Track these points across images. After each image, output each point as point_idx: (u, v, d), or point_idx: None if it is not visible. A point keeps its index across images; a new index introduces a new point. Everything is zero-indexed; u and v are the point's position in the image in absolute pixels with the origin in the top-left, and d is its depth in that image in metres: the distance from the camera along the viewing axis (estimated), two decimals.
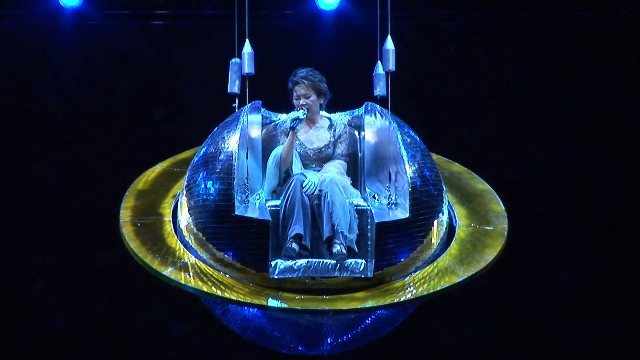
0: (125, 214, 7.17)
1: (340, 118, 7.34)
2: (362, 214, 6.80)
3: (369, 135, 7.17)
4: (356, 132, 7.36)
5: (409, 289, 6.68)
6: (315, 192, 6.82)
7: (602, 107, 10.13)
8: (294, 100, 7.21)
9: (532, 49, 10.11)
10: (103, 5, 9.85)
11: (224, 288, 6.64)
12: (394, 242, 6.66)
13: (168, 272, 6.73)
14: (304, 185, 6.82)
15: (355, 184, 7.17)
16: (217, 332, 9.11)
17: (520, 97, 10.15)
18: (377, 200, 6.88)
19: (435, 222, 6.81)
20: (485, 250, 6.97)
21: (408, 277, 6.75)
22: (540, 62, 10.12)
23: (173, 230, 7.06)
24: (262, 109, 7.32)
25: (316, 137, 7.22)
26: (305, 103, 7.17)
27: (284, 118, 7.29)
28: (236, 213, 6.61)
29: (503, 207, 7.33)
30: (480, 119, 10.14)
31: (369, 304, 6.61)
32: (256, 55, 6.86)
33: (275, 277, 6.63)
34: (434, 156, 7.34)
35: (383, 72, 6.79)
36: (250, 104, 7.02)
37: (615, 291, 10.08)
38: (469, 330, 10.13)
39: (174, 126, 9.89)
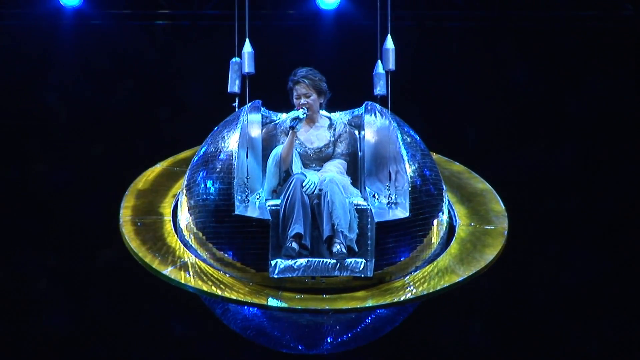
0: (125, 214, 7.17)
1: (340, 117, 7.34)
2: (362, 214, 6.80)
3: (369, 135, 7.17)
4: (356, 132, 7.36)
5: (409, 288, 6.68)
6: (315, 192, 6.82)
7: (604, 107, 10.12)
8: (294, 100, 7.20)
9: (533, 48, 10.10)
10: (103, 5, 9.85)
11: (224, 287, 6.64)
12: (394, 242, 6.66)
13: (168, 271, 6.73)
14: (304, 184, 6.82)
15: (355, 183, 7.17)
16: (220, 332, 9.10)
17: (521, 96, 10.14)
18: (377, 199, 6.88)
19: (435, 222, 6.81)
20: (486, 250, 6.97)
21: (408, 277, 6.75)
22: (541, 62, 10.11)
23: (173, 229, 7.05)
24: (262, 109, 7.32)
25: (316, 136, 7.22)
26: (305, 102, 7.17)
27: (284, 117, 7.29)
28: (236, 212, 6.61)
29: (503, 207, 7.33)
30: (481, 118, 10.14)
31: (369, 303, 6.60)
32: (256, 54, 6.86)
33: (275, 276, 6.63)
34: (434, 155, 7.35)
35: (383, 72, 6.79)
36: (250, 104, 7.02)
37: (617, 291, 10.07)
38: (470, 330, 10.13)
39: (174, 125, 9.90)
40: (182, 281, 6.68)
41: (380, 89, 6.82)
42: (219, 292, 6.61)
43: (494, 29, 10.08)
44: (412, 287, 6.68)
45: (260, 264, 6.64)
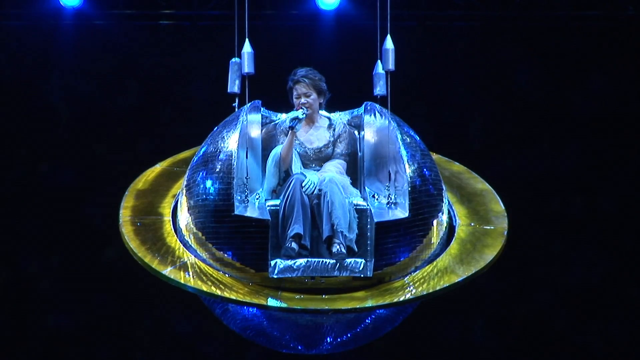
0: (125, 214, 7.17)
1: (340, 117, 7.33)
2: (361, 214, 6.80)
3: (369, 135, 7.17)
4: (356, 132, 7.36)
5: (408, 288, 6.67)
6: (315, 192, 6.82)
7: (607, 107, 10.12)
8: (294, 99, 7.20)
9: (536, 49, 10.10)
10: (103, 5, 9.85)
11: (223, 287, 6.63)
12: (394, 242, 6.65)
13: (167, 271, 6.73)
14: (303, 184, 6.82)
15: (355, 183, 7.16)
16: (222, 332, 9.10)
17: (525, 97, 10.14)
18: (377, 199, 6.87)
19: (434, 222, 6.81)
20: (485, 250, 6.97)
21: (408, 277, 6.74)
22: (544, 62, 10.11)
23: (173, 229, 7.05)
24: (262, 109, 7.32)
25: (316, 136, 7.22)
26: (305, 102, 7.16)
27: (283, 118, 7.29)
28: (236, 213, 6.60)
29: (503, 207, 7.33)
30: (485, 118, 10.13)
31: (369, 303, 6.60)
32: (256, 55, 6.85)
33: (275, 276, 6.63)
34: (434, 155, 7.34)
35: (383, 72, 6.79)
36: (250, 104, 7.02)
37: (621, 291, 10.07)
38: (473, 330, 10.12)
39: (174, 125, 9.90)
40: (182, 281, 6.68)
41: (380, 89, 6.82)
42: (219, 292, 6.61)
43: (496, 29, 10.08)
44: (411, 288, 6.68)
45: (259, 264, 6.63)
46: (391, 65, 6.75)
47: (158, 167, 7.68)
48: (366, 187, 7.05)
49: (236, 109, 7.01)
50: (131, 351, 10.02)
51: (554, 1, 9.95)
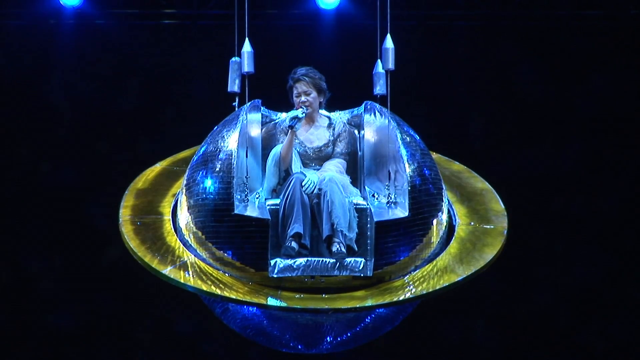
0: (124, 213, 7.17)
1: (340, 117, 7.33)
2: (361, 213, 6.80)
3: (369, 134, 7.17)
4: (356, 131, 7.36)
5: (408, 288, 6.67)
6: (315, 191, 6.82)
7: (609, 107, 10.12)
8: (294, 98, 7.20)
9: (538, 48, 10.09)
10: (103, 5, 9.85)
11: (223, 287, 6.63)
12: (394, 241, 6.65)
13: (167, 271, 6.72)
14: (303, 184, 6.81)
15: (355, 182, 7.16)
16: (222, 331, 9.10)
17: (526, 96, 10.14)
18: (377, 199, 6.87)
19: (434, 221, 6.81)
20: (485, 249, 6.96)
21: (407, 276, 6.74)
22: (546, 62, 10.11)
23: (172, 229, 7.05)
24: (262, 108, 7.32)
25: (316, 136, 7.22)
26: (305, 100, 7.16)
27: (283, 117, 7.29)
28: (235, 212, 6.60)
29: (503, 206, 7.33)
30: (486, 118, 10.13)
31: (369, 303, 6.60)
32: (256, 54, 6.85)
33: (275, 275, 6.63)
34: (434, 155, 7.34)
35: (383, 71, 6.79)
36: (250, 103, 7.02)
37: (623, 290, 10.07)
38: (475, 330, 10.12)
39: (174, 125, 9.90)
40: (182, 281, 6.68)
41: (380, 88, 6.82)
42: (219, 292, 6.61)
43: (496, 29, 10.08)
44: (411, 287, 6.68)
45: (259, 264, 6.63)
46: (391, 65, 6.75)
47: (158, 167, 7.67)
48: (366, 187, 7.05)
49: (236, 108, 7.01)
50: (132, 351, 10.02)
51: (555, 1, 9.95)
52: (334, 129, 7.24)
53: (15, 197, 9.97)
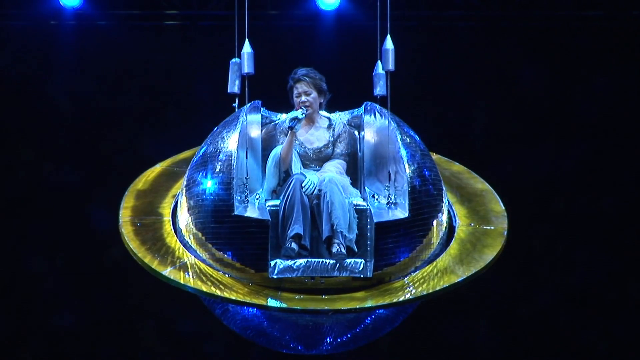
0: (124, 214, 7.17)
1: (340, 117, 7.33)
2: (361, 214, 6.79)
3: (369, 135, 7.17)
4: (356, 132, 7.36)
5: (408, 289, 6.67)
6: (315, 192, 6.82)
7: (611, 108, 10.11)
8: (295, 98, 7.20)
9: (540, 49, 10.09)
10: (103, 6, 9.85)
11: (223, 288, 6.63)
12: (394, 242, 6.65)
13: (167, 272, 6.72)
14: (303, 185, 6.81)
15: (355, 183, 7.16)
16: (222, 332, 9.10)
17: (526, 97, 10.14)
18: (377, 200, 6.87)
19: (434, 222, 6.81)
20: (485, 250, 6.96)
21: (407, 277, 6.74)
22: (548, 62, 10.10)
23: (173, 230, 7.05)
24: (262, 109, 7.32)
25: (315, 136, 7.22)
26: (306, 100, 7.16)
27: (283, 118, 7.28)
28: (235, 213, 6.60)
29: (503, 207, 7.32)
30: (485, 118, 10.13)
31: (369, 303, 6.59)
32: (256, 55, 6.85)
33: (275, 276, 6.62)
34: (434, 156, 7.34)
35: (383, 72, 6.79)
36: (250, 104, 7.02)
37: (625, 291, 10.07)
38: (476, 331, 10.12)
39: (174, 125, 9.90)
40: (182, 282, 6.68)
41: (380, 89, 6.83)
42: (219, 293, 6.61)
43: (497, 29, 10.07)
44: (411, 288, 6.68)
45: (259, 265, 6.63)
46: (391, 66, 6.75)
47: (158, 167, 7.68)
48: (366, 187, 7.04)
49: (236, 109, 7.01)
50: (132, 351, 10.03)
51: (556, 1, 9.95)
52: (333, 130, 7.24)
53: (16, 198, 9.97)
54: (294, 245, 6.66)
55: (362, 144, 7.26)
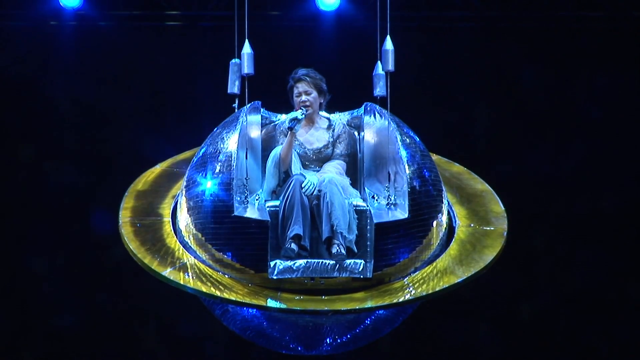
0: (124, 215, 7.16)
1: (340, 118, 7.33)
2: (361, 215, 6.79)
3: (369, 136, 7.17)
4: (355, 132, 7.36)
5: (408, 289, 6.67)
6: (315, 193, 6.81)
7: (610, 108, 10.11)
8: (295, 98, 7.19)
9: (541, 49, 10.09)
10: (103, 6, 9.85)
11: (223, 288, 6.63)
12: (393, 243, 6.65)
13: (167, 272, 6.72)
14: (303, 185, 6.81)
15: (355, 184, 7.16)
16: (222, 333, 9.11)
17: (526, 97, 10.13)
18: (377, 200, 6.87)
19: (434, 223, 6.81)
20: (485, 251, 6.96)
21: (407, 278, 6.74)
22: (549, 63, 10.10)
23: (172, 230, 7.05)
24: (262, 109, 7.32)
25: (315, 137, 7.22)
26: (306, 100, 7.16)
27: (283, 118, 7.28)
28: (235, 213, 6.60)
29: (503, 208, 7.32)
30: (485, 119, 10.13)
31: (368, 304, 6.59)
32: (256, 55, 6.85)
33: (275, 277, 6.62)
34: (434, 156, 7.34)
35: (383, 73, 6.79)
36: (249, 105, 7.02)
37: (626, 292, 10.06)
38: (476, 332, 10.12)
39: (174, 126, 9.90)
40: (182, 282, 6.68)
41: (379, 89, 6.82)
42: (218, 293, 6.61)
43: (497, 30, 10.07)
44: (411, 288, 6.67)
45: (259, 265, 6.63)
46: (391, 66, 6.74)
47: (158, 168, 7.68)
48: (366, 188, 7.04)
49: (236, 110, 7.01)
50: (132, 351, 10.03)
51: (556, 2, 9.94)
52: (333, 131, 7.24)
53: (16, 198, 9.97)
54: (293, 245, 6.66)
55: (361, 144, 7.26)
